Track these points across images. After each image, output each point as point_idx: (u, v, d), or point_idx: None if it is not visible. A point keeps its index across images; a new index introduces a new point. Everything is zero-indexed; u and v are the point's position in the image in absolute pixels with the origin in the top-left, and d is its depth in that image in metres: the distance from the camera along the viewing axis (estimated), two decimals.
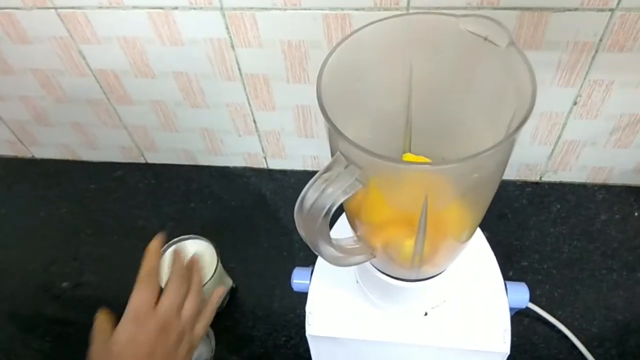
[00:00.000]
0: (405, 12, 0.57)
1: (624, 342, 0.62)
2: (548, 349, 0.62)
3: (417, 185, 0.31)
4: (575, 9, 0.55)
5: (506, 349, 0.46)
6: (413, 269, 0.41)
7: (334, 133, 0.30)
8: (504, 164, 0.34)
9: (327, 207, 0.31)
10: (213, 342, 0.64)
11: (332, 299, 0.50)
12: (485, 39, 0.34)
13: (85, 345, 0.50)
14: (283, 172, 0.85)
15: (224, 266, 0.70)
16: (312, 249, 0.36)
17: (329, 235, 0.34)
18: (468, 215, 0.38)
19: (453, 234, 0.39)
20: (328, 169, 0.31)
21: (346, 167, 0.31)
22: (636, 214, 0.73)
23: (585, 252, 0.70)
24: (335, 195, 0.30)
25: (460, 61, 0.37)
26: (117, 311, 0.70)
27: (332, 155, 0.34)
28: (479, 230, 0.50)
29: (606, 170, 0.75)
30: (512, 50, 0.32)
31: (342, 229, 0.49)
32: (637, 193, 0.75)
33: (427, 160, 0.43)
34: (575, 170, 0.75)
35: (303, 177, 0.84)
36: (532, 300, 0.65)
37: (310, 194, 0.31)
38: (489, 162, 0.31)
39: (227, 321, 0.68)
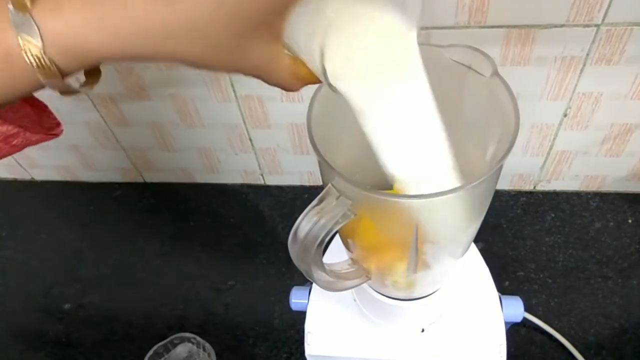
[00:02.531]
0: None
1: (621, 349, 0.63)
2: (545, 358, 0.63)
3: (408, 214, 0.32)
4: (562, 25, 0.56)
5: None
6: (408, 289, 0.42)
7: (325, 167, 0.31)
8: (492, 188, 0.35)
9: (321, 237, 0.32)
10: None
11: (331, 318, 0.51)
12: (470, 67, 0.35)
13: None
14: (280, 188, 0.86)
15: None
16: (305, 277, 0.36)
17: (323, 263, 0.35)
18: (460, 237, 0.39)
19: (446, 254, 0.40)
20: (320, 200, 0.32)
21: (338, 198, 0.31)
22: (630, 220, 0.74)
23: (581, 260, 0.71)
24: (328, 225, 0.31)
25: (447, 87, 0.38)
26: (122, 331, 0.71)
27: (323, 184, 0.35)
28: (472, 244, 0.51)
29: (599, 178, 0.76)
30: (496, 80, 0.33)
31: (335, 252, 0.50)
32: (631, 200, 0.76)
33: None
34: (568, 179, 0.76)
35: (300, 192, 0.85)
36: (528, 310, 0.65)
37: (303, 225, 0.32)
38: (477, 190, 0.31)
39: (228, 340, 0.68)
